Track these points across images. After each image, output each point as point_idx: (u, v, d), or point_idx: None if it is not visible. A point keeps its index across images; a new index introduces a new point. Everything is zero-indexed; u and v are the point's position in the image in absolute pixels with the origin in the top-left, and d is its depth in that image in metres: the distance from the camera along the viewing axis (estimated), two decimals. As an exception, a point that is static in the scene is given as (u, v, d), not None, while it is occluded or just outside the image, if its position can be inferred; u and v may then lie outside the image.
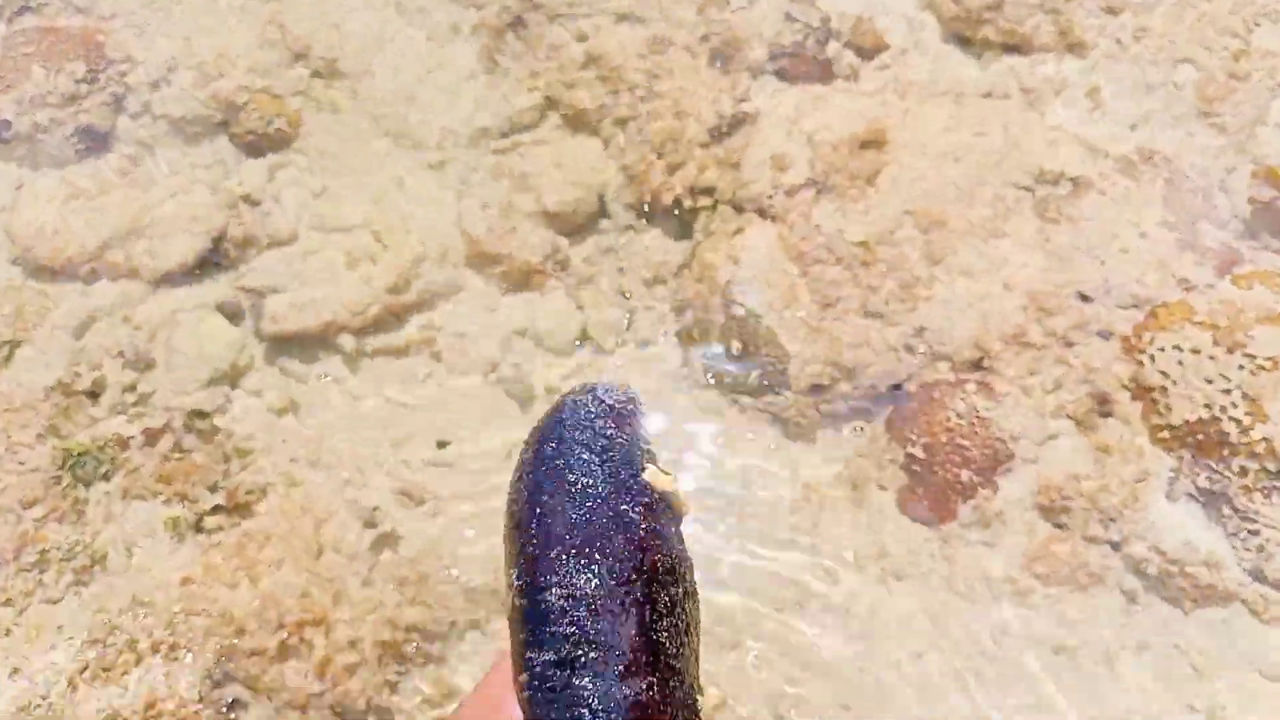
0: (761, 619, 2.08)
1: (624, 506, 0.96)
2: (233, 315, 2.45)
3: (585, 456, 1.10)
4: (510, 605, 0.91)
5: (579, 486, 1.02)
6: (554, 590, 0.94)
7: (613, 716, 0.87)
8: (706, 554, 2.16)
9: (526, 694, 0.87)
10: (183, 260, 2.42)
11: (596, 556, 0.92)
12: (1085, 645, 2.03)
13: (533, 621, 0.89)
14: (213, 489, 1.95)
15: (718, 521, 2.22)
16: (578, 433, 1.12)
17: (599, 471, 1.07)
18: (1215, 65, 2.63)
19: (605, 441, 1.13)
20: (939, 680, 2.03)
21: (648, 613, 0.89)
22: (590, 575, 0.94)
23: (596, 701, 0.84)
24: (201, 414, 2.16)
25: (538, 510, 1.00)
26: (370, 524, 2.06)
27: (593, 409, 1.15)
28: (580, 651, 0.88)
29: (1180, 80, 2.62)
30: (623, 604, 0.91)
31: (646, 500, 0.98)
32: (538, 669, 0.88)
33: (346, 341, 2.43)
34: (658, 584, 0.92)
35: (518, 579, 0.91)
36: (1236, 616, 2.03)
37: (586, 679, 0.85)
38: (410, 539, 2.14)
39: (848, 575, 2.16)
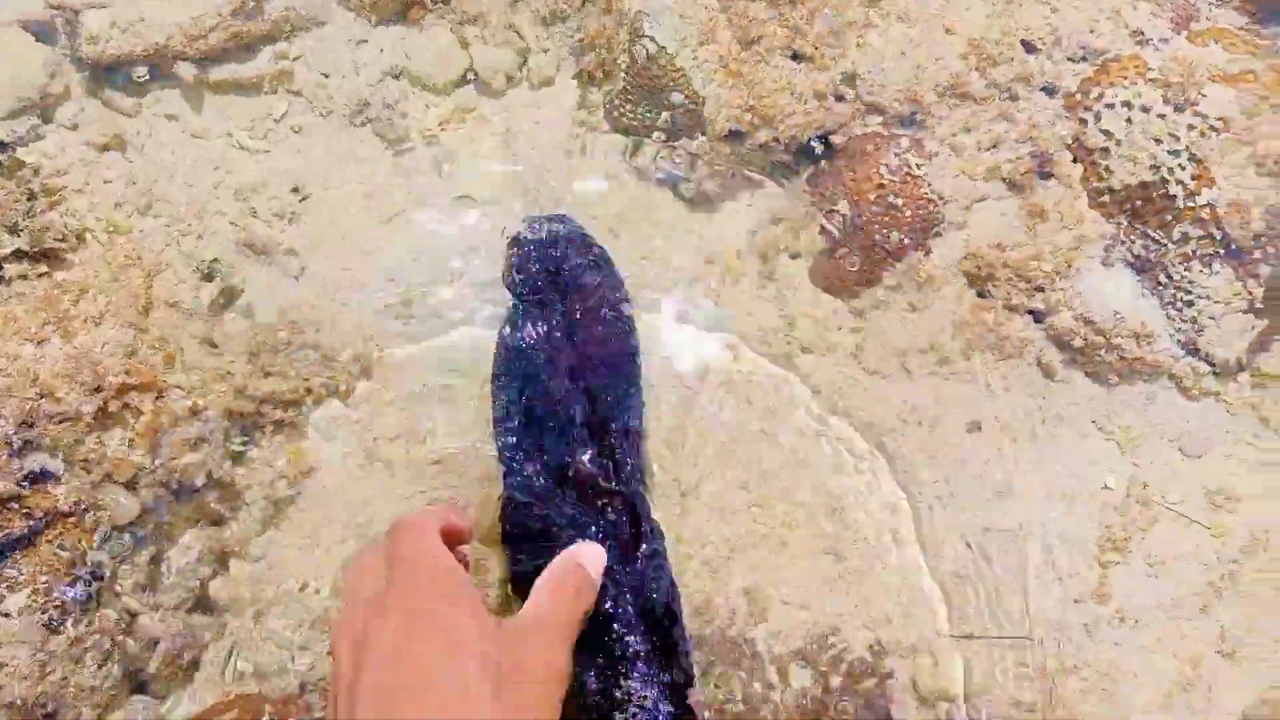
0: (658, 400, 1.89)
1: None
2: (42, 35, 2.03)
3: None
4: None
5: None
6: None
7: None
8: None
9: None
10: (-28, -40, 1.98)
11: None
12: (1002, 418, 1.91)
13: None
14: (14, 231, 1.61)
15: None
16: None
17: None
18: None
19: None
20: (846, 457, 1.89)
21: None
22: None
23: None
24: (1, 145, 1.79)
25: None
26: (208, 278, 1.77)
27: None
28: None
29: None
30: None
31: None
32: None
33: (185, 70, 2.05)
34: None
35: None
36: (1161, 391, 1.93)
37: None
38: (260, 299, 1.86)
39: (747, 350, 1.98)
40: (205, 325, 1.71)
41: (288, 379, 1.72)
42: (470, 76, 2.19)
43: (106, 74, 2.04)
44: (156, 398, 1.56)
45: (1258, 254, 1.88)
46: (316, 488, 1.74)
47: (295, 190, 1.98)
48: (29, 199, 1.68)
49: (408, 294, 1.94)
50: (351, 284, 1.94)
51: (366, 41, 2.16)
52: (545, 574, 1.16)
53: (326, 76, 2.13)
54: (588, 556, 1.19)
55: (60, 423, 1.45)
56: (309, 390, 1.74)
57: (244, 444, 1.67)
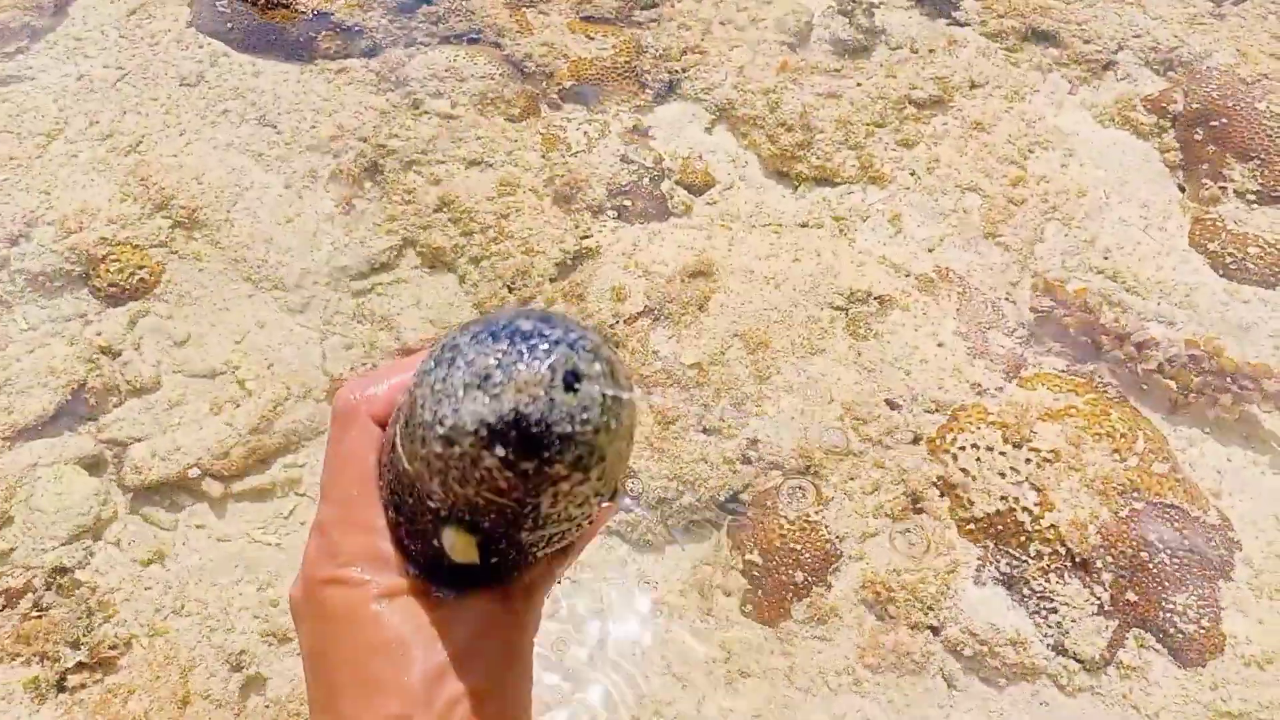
0: (620, 728, 2.21)
1: None
2: (93, 466, 2.50)
3: None
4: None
5: None
6: None
7: None
8: (567, 668, 2.29)
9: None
10: (40, 414, 2.47)
11: None
12: (915, 726, 2.22)
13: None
14: (75, 645, 1.99)
15: (571, 638, 2.35)
16: None
17: None
18: (997, 191, 2.99)
19: None
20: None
21: None
22: None
23: None
24: (62, 570, 2.19)
25: None
26: (237, 668, 2.12)
27: None
28: None
29: (968, 205, 2.97)
30: None
31: None
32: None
33: (212, 487, 2.51)
34: None
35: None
36: (1044, 689, 2.26)
37: None
38: (278, 680, 2.21)
39: (696, 676, 2.31)
40: (232, 712, 2.05)
41: (299, 751, 2.04)
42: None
43: (146, 495, 2.49)
44: (192, 782, 1.87)
45: (1098, 563, 2.28)
46: None
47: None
48: (87, 615, 2.07)
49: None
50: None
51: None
52: None
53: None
54: None
55: (114, 814, 1.76)
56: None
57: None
